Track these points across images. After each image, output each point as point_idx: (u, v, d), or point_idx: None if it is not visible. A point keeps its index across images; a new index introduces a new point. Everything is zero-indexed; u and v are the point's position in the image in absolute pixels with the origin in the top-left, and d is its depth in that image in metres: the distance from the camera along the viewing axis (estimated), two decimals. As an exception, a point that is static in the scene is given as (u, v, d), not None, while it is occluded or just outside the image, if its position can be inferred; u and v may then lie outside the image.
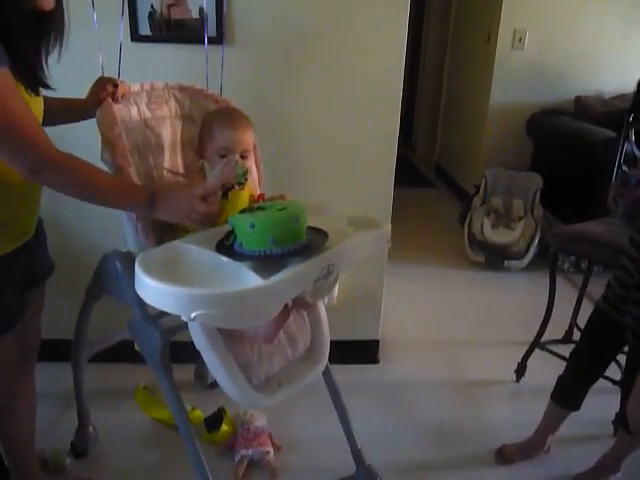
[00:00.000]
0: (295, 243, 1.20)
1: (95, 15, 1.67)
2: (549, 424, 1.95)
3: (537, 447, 1.98)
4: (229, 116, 1.52)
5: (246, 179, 1.44)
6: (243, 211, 1.27)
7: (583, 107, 3.80)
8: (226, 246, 1.25)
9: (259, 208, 1.25)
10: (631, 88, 2.55)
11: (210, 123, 1.50)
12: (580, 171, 3.41)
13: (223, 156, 1.45)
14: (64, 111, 1.46)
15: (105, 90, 1.44)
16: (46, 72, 1.28)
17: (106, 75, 1.57)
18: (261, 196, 1.51)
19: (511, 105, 3.96)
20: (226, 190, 1.40)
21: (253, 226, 1.18)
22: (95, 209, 2.04)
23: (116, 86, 1.46)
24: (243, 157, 1.48)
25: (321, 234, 1.30)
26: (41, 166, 1.14)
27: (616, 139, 2.63)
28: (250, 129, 1.51)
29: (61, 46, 1.28)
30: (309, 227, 1.28)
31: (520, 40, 3.82)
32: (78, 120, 1.48)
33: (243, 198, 1.44)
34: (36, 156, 1.13)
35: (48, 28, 1.24)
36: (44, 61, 1.27)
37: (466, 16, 4.60)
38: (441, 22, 5.21)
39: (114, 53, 1.75)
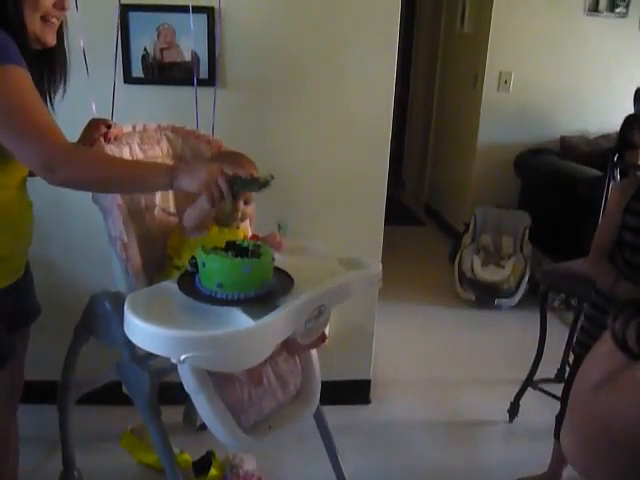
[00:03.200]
0: (245, 291, 1.19)
1: (86, 59, 1.69)
2: (559, 460, 1.96)
3: (554, 478, 1.99)
4: (248, 165, 1.51)
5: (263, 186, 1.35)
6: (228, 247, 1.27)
7: (568, 146, 3.88)
8: (190, 275, 1.25)
9: (236, 246, 1.25)
10: (614, 128, 2.60)
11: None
12: (567, 209, 3.45)
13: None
14: None
15: (98, 130, 1.46)
16: (52, 112, 1.29)
17: (99, 117, 1.58)
18: (254, 237, 1.51)
19: (498, 145, 4.03)
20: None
21: (204, 265, 1.19)
22: (84, 248, 2.06)
23: (109, 127, 1.47)
24: (246, 203, 1.48)
25: (287, 282, 1.28)
26: (55, 160, 1.12)
27: (601, 178, 2.67)
28: None
29: (65, 84, 1.30)
30: (280, 271, 1.28)
31: (506, 82, 3.91)
32: None
33: (237, 236, 1.44)
34: (50, 149, 1.12)
35: (52, 65, 1.26)
36: (50, 101, 1.29)
37: (453, 59, 4.72)
38: (428, 65, 5.33)
39: (107, 95, 1.77)
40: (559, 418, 1.90)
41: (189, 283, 1.23)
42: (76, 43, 1.69)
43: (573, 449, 0.59)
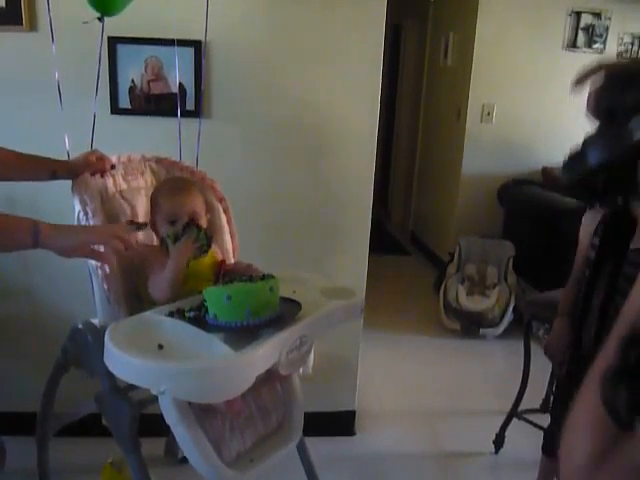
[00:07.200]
0: (270, 313, 1.20)
1: (74, 89, 1.71)
2: (546, 474, 1.96)
3: None
4: (172, 183, 1.54)
5: (209, 246, 1.42)
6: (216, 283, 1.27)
7: (550, 177, 3.94)
8: (198, 318, 1.24)
9: (230, 280, 1.25)
10: (594, 161, 2.65)
11: (156, 194, 1.52)
12: (549, 239, 3.49)
13: (172, 222, 1.44)
14: (26, 164, 1.44)
15: (103, 165, 1.47)
16: None
17: (77, 147, 1.58)
18: (223, 261, 1.51)
19: (482, 175, 4.09)
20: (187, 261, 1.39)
21: (229, 298, 1.18)
22: (66, 276, 2.04)
23: (113, 167, 1.49)
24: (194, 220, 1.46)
25: (294, 304, 1.30)
26: None
27: (582, 208, 2.71)
28: (197, 193, 1.51)
29: None
30: (282, 297, 1.28)
31: (488, 114, 3.99)
32: (47, 178, 1.46)
33: (204, 265, 1.44)
34: None
35: None
36: None
37: (437, 91, 4.81)
38: (413, 97, 5.42)
39: (95, 126, 1.78)
40: (547, 433, 1.92)
41: (205, 326, 1.21)
42: (58, 75, 1.72)
43: None
